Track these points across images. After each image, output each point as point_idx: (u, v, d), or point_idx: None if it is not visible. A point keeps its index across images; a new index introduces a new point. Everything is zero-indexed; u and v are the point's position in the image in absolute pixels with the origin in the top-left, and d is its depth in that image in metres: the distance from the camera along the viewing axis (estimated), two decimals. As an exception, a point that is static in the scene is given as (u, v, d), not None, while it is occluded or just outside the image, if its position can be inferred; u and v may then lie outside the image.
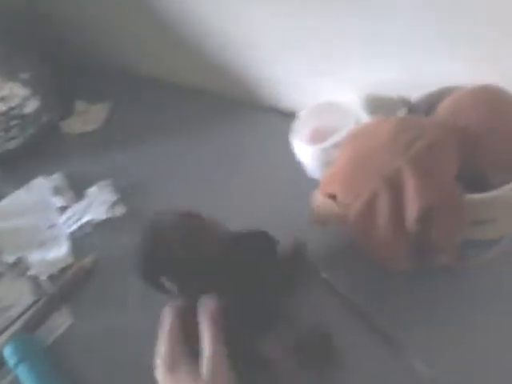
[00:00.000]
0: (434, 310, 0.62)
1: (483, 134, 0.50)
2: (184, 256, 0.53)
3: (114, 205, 0.86)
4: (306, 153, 0.72)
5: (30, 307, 0.76)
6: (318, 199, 0.56)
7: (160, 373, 0.51)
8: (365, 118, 0.73)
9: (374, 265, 0.57)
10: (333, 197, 0.54)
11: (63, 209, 0.89)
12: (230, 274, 0.54)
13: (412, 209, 0.49)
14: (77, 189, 0.91)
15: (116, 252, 0.80)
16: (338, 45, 0.72)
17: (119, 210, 0.86)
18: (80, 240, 0.84)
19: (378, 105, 0.73)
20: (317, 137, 0.73)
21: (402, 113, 0.58)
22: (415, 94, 0.60)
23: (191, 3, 0.81)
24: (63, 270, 0.80)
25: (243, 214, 0.73)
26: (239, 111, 0.93)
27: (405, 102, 0.57)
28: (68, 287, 0.78)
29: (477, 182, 0.54)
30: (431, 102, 0.56)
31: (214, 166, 0.87)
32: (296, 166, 0.77)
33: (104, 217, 0.85)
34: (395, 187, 0.49)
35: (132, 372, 0.64)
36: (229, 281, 0.54)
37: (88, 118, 1.02)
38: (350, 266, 0.66)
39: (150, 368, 0.57)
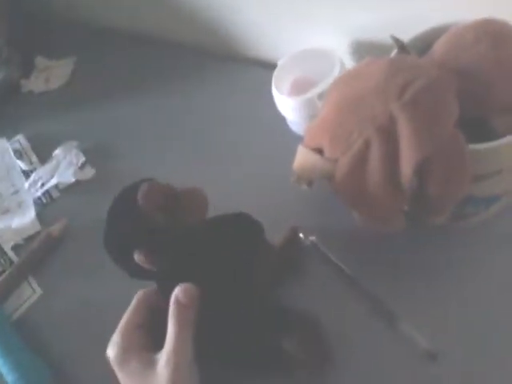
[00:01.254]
0: (432, 275, 0.58)
1: (487, 71, 0.45)
2: (165, 224, 0.46)
3: (81, 167, 0.80)
4: (288, 106, 0.66)
5: (-6, 279, 0.71)
6: (302, 154, 0.50)
7: (111, 364, 0.47)
8: (352, 64, 0.67)
9: (367, 228, 0.53)
10: (319, 151, 0.49)
11: (27, 173, 0.83)
12: (212, 255, 0.49)
13: (407, 161, 0.44)
14: (41, 151, 0.85)
15: (86, 217, 0.75)
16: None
17: (87, 173, 0.80)
18: (47, 205, 0.79)
19: (366, 49, 0.67)
20: (300, 87, 0.67)
21: (394, 53, 0.52)
22: (408, 36, 0.54)
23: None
24: (30, 238, 0.75)
25: (223, 182, 0.69)
26: (215, 64, 0.86)
27: (397, 42, 0.51)
28: (36, 256, 0.73)
29: (479, 128, 0.49)
30: (427, 41, 0.50)
31: (188, 125, 0.80)
32: (280, 122, 0.71)
33: (72, 180, 0.79)
34: (389, 136, 0.44)
35: (104, 348, 0.59)
36: (212, 263, 0.49)
37: (50, 75, 0.94)
38: (341, 232, 0.61)
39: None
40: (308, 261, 0.62)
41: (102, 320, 0.62)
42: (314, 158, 0.49)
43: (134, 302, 0.51)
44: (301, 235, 0.63)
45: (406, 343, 0.53)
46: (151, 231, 0.46)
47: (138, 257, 0.46)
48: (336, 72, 0.63)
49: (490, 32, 0.46)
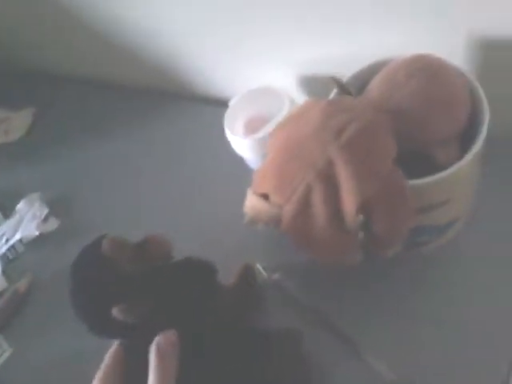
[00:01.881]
0: (389, 304, 0.59)
1: (420, 108, 0.46)
2: (135, 273, 0.46)
3: (45, 219, 0.80)
4: (241, 146, 0.67)
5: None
6: (251, 200, 0.51)
7: None
8: (303, 100, 0.68)
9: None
10: (266, 196, 0.49)
11: (-9, 229, 0.82)
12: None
13: (349, 203, 0.44)
14: (4, 206, 0.84)
15: (52, 270, 0.75)
16: (267, 23, 0.66)
17: (52, 225, 0.79)
18: (12, 261, 0.78)
19: (314, 86, 0.68)
20: (254, 126, 0.68)
21: (333, 94, 0.53)
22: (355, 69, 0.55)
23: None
24: (-4, 295, 0.74)
25: (184, 222, 0.69)
26: (171, 105, 0.86)
27: (336, 82, 0.52)
28: (3, 314, 0.72)
29: (423, 162, 0.50)
30: (363, 79, 0.51)
31: (148, 168, 0.81)
32: (237, 161, 0.72)
33: (36, 233, 0.78)
34: (329, 180, 0.44)
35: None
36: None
37: (9, 126, 0.94)
38: (299, 267, 0.62)
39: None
40: (272, 298, 0.62)
41: (75, 374, 0.62)
42: (260, 204, 0.49)
43: (108, 357, 0.49)
44: (264, 272, 0.63)
45: (372, 375, 0.54)
46: (125, 283, 0.45)
47: (118, 312, 0.45)
48: (285, 110, 0.64)
49: (421, 68, 0.47)
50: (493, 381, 0.52)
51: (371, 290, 0.60)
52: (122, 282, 0.45)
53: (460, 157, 0.48)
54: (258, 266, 0.64)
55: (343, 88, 0.52)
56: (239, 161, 0.71)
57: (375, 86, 0.48)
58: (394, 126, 0.46)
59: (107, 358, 0.48)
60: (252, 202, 0.51)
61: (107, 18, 0.78)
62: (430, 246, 0.59)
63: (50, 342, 0.68)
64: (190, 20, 0.71)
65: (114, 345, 0.50)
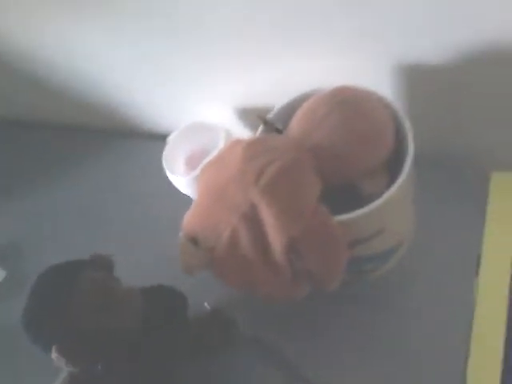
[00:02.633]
0: (337, 334, 0.59)
1: (341, 144, 0.45)
2: (94, 327, 0.46)
3: (-8, 271, 0.77)
4: (180, 183, 0.66)
5: None
6: (182, 245, 0.50)
7: None
8: (238, 135, 0.67)
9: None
10: (196, 241, 0.48)
11: None
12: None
13: (275, 243, 0.43)
14: None
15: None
16: (201, 59, 0.65)
17: (-1, 276, 0.77)
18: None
19: (249, 117, 0.67)
20: (194, 161, 0.67)
21: (260, 130, 0.53)
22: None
23: (37, 39, 0.72)
24: None
25: (130, 262, 0.67)
26: (111, 142, 0.85)
27: (261, 119, 0.51)
28: None
29: (353, 193, 0.49)
30: (287, 115, 0.50)
31: (91, 209, 0.79)
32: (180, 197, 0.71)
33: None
34: (253, 222, 0.43)
35: None
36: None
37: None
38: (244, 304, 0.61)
39: None
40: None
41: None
42: (191, 248, 0.48)
43: None
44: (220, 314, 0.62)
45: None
46: (81, 331, 0.45)
47: (55, 352, 0.45)
48: (221, 145, 0.63)
49: (340, 102, 0.46)
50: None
51: (321, 319, 0.60)
52: (74, 330, 0.45)
53: (389, 184, 0.47)
54: (206, 305, 0.64)
55: (268, 124, 0.51)
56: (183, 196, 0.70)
57: (296, 123, 0.48)
58: (316, 163, 0.45)
59: None
60: (183, 247, 0.50)
61: (40, 61, 0.77)
62: (378, 272, 0.59)
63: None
64: (126, 60, 0.70)
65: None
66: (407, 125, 0.49)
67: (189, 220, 0.49)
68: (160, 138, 0.71)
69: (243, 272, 0.47)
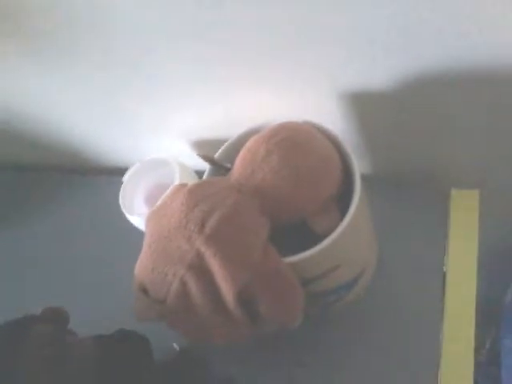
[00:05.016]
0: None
1: (284, 185, 0.44)
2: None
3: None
4: (137, 222, 0.64)
5: None
6: (135, 294, 0.48)
7: None
8: (194, 168, 0.66)
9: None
10: (148, 288, 0.47)
11: None
12: None
13: (226, 291, 0.42)
14: None
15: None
16: (156, 94, 0.64)
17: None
18: None
19: (204, 150, 0.66)
20: (153, 198, 0.65)
21: (208, 170, 0.52)
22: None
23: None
24: None
25: (89, 306, 0.66)
26: (66, 180, 0.84)
27: (206, 159, 0.50)
28: None
29: (307, 232, 0.48)
30: (232, 154, 0.49)
31: (51, 249, 0.77)
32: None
33: None
34: (202, 272, 0.42)
35: None
36: None
37: None
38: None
39: None
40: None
41: None
42: (143, 299, 0.46)
43: None
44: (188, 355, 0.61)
45: None
46: None
47: None
48: (176, 180, 0.62)
49: (279, 142, 0.44)
50: None
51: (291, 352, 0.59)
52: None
53: (343, 218, 0.46)
54: (175, 346, 0.62)
55: (215, 163, 0.50)
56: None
57: (238, 164, 0.46)
58: (261, 205, 0.44)
59: None
60: (136, 296, 0.49)
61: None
62: (342, 302, 0.58)
63: None
64: (77, 97, 0.68)
65: None
66: (353, 160, 0.47)
67: (138, 271, 0.48)
68: (119, 173, 0.69)
69: (196, 322, 0.45)
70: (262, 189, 0.44)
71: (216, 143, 0.54)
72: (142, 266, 0.47)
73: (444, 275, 0.61)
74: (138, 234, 0.66)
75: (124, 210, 0.64)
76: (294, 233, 0.47)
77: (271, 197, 0.44)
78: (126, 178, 0.67)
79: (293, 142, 0.45)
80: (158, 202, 0.49)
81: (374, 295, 0.60)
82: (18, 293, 0.74)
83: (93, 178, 0.82)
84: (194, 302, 0.44)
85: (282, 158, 0.44)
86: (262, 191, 0.44)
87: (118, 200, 0.65)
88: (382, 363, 0.57)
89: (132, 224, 0.66)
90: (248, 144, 0.47)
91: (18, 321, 0.48)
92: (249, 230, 0.43)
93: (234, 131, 0.53)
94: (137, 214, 0.65)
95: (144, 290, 0.47)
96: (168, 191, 0.48)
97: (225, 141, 0.53)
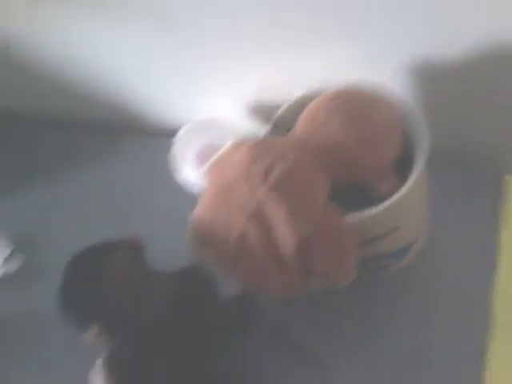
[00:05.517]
0: (361, 326, 0.58)
1: (346, 146, 0.44)
2: (129, 301, 0.46)
3: (8, 258, 0.78)
4: (189, 179, 0.65)
5: None
6: (190, 241, 0.49)
7: None
8: (248, 131, 0.66)
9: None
10: (204, 239, 0.48)
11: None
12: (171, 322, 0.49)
13: (286, 244, 0.43)
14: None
15: (16, 311, 0.73)
16: (213, 57, 0.64)
17: (15, 264, 0.78)
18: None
19: (257, 115, 0.66)
20: (203, 157, 0.66)
21: (266, 131, 0.52)
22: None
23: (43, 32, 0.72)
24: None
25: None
26: (121, 139, 0.84)
27: (269, 120, 0.51)
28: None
29: (364, 195, 0.48)
30: (293, 114, 0.49)
31: (106, 204, 0.79)
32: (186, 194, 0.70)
33: (-1, 272, 0.77)
34: (262, 222, 0.43)
35: None
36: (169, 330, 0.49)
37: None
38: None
39: None
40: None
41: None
42: (199, 246, 0.48)
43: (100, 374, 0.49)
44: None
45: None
46: (115, 310, 0.46)
47: (93, 331, 0.46)
48: (230, 141, 0.62)
49: (343, 104, 0.45)
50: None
51: (343, 313, 0.59)
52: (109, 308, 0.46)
53: (400, 185, 0.46)
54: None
55: (274, 125, 0.51)
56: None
57: (300, 124, 0.47)
58: (323, 163, 0.44)
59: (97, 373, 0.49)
60: (193, 244, 0.50)
61: (55, 57, 0.77)
62: (392, 269, 0.58)
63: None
64: (137, 55, 0.69)
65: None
66: (419, 122, 0.47)
67: (196, 219, 0.49)
68: (168, 135, 0.70)
69: (252, 270, 0.46)
70: (324, 147, 0.44)
71: (271, 107, 0.55)
72: (200, 216, 0.48)
73: (496, 252, 0.60)
74: (183, 192, 0.68)
75: (174, 166, 0.65)
76: (351, 197, 0.47)
77: (333, 156, 0.44)
78: (179, 135, 0.67)
79: (355, 105, 0.45)
80: (217, 156, 0.49)
81: (422, 266, 0.60)
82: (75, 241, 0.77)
83: (144, 138, 0.83)
84: (252, 252, 0.44)
85: (343, 120, 0.44)
86: (324, 150, 0.44)
87: (166, 160, 0.66)
88: (426, 335, 0.57)
89: (179, 183, 0.67)
90: (311, 105, 0.47)
91: (101, 246, 0.50)
92: (311, 183, 0.43)
93: (289, 95, 0.53)
94: (186, 173, 0.66)
95: (201, 238, 0.48)
96: (226, 147, 0.49)
97: (280, 105, 0.53)
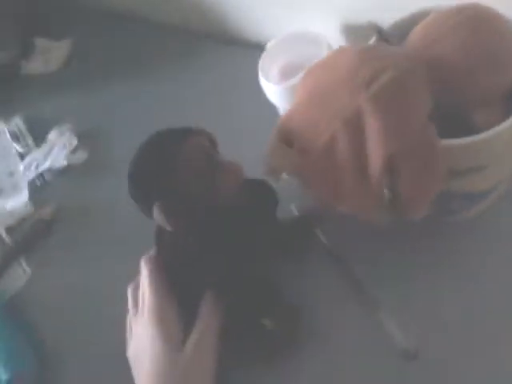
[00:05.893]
0: (420, 272, 0.56)
1: (461, 63, 0.42)
2: (196, 192, 0.46)
3: (74, 151, 0.80)
4: (274, 92, 0.64)
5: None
6: (273, 146, 0.49)
7: (146, 324, 0.49)
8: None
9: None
10: (290, 142, 0.47)
11: (22, 155, 0.83)
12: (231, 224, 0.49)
13: (375, 156, 0.41)
14: (36, 134, 0.85)
15: (77, 201, 0.76)
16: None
17: (80, 157, 0.80)
18: (40, 188, 0.79)
19: (354, 33, 0.64)
20: (289, 73, 0.65)
21: (372, 42, 0.50)
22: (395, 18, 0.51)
23: None
24: (22, 220, 0.76)
25: None
26: (206, 46, 0.84)
27: (375, 29, 0.48)
28: (27, 239, 0.74)
29: (458, 122, 0.46)
30: (405, 28, 0.47)
31: (178, 107, 0.79)
32: (269, 107, 0.69)
33: (64, 164, 0.79)
34: (356, 130, 0.42)
35: (94, 332, 0.61)
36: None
37: (49, 56, 0.93)
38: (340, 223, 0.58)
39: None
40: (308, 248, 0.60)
41: (91, 304, 0.63)
42: (283, 150, 0.47)
43: (146, 267, 0.52)
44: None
45: (384, 339, 0.52)
46: (182, 194, 0.46)
47: (156, 209, 0.46)
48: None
49: (472, 17, 0.43)
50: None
51: (404, 254, 0.57)
52: (177, 191, 0.46)
53: (502, 119, 0.44)
54: (293, 208, 0.63)
55: (383, 35, 0.49)
56: (273, 107, 0.68)
57: (418, 33, 0.44)
58: (432, 78, 0.42)
59: (145, 265, 0.52)
60: (274, 148, 0.49)
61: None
62: (463, 214, 0.56)
63: (69, 269, 0.69)
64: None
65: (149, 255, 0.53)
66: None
67: (284, 122, 0.48)
68: (257, 48, 0.69)
69: (333, 181, 0.45)
70: (439, 61, 0.42)
71: (367, 29, 0.52)
72: (291, 116, 0.47)
73: None
74: (268, 105, 0.67)
75: (260, 76, 0.64)
76: (446, 127, 0.45)
77: (445, 73, 0.42)
78: (269, 45, 0.66)
79: (484, 20, 0.43)
80: (319, 59, 0.48)
81: (493, 218, 0.57)
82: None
83: (232, 48, 0.82)
84: (338, 160, 0.43)
85: (470, 32, 0.42)
86: (439, 65, 0.42)
87: (253, 73, 0.65)
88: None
89: (264, 95, 0.66)
90: (432, 16, 0.45)
91: (175, 131, 0.49)
92: (416, 97, 0.42)
93: (390, 17, 0.50)
94: (272, 82, 0.64)
95: (285, 141, 0.47)
96: (332, 52, 0.47)
97: (377, 26, 0.51)
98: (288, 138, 0.47)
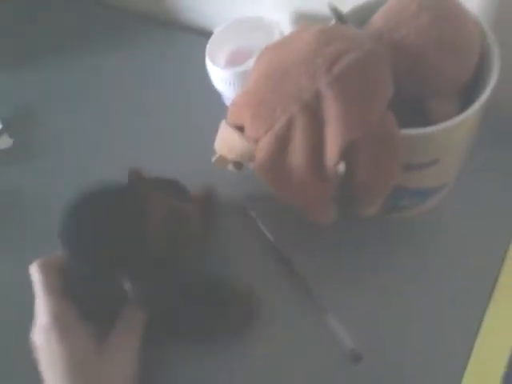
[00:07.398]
0: (362, 267, 0.55)
1: (426, 47, 0.40)
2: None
3: (-2, 135, 0.73)
4: (221, 78, 0.60)
5: None
6: (223, 131, 0.45)
7: (47, 336, 0.44)
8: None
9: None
10: (241, 128, 0.44)
11: None
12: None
13: (332, 144, 0.39)
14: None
15: (2, 190, 0.68)
16: None
17: (5, 143, 0.73)
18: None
19: (306, 19, 0.61)
20: (237, 59, 0.62)
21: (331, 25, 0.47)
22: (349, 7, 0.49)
23: None
24: None
25: (153, 151, 0.66)
26: (147, 28, 0.80)
27: (335, 12, 0.46)
28: None
29: (415, 111, 0.45)
30: (367, 13, 0.45)
31: (114, 92, 0.74)
32: (214, 94, 0.66)
33: (-14, 150, 0.72)
34: (314, 115, 0.39)
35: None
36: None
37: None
38: (275, 212, 0.57)
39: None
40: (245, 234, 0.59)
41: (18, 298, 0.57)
42: (233, 136, 0.43)
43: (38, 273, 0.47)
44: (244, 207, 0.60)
45: (332, 340, 0.51)
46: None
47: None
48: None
49: (434, 5, 0.41)
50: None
51: (348, 253, 0.56)
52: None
53: (458, 113, 0.43)
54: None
55: (342, 19, 0.46)
56: (218, 95, 0.65)
57: (381, 14, 0.43)
58: (395, 63, 0.41)
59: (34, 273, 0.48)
60: (224, 135, 0.46)
61: None
62: (410, 211, 0.55)
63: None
64: None
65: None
66: (494, 44, 0.44)
67: (235, 106, 0.44)
68: (205, 33, 0.65)
69: (284, 174, 0.42)
70: (402, 44, 0.41)
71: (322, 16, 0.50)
72: (243, 99, 0.43)
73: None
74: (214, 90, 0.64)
75: (207, 61, 0.61)
76: (403, 115, 0.44)
77: (410, 56, 0.41)
78: (217, 30, 0.62)
79: (447, 9, 0.41)
80: (277, 39, 0.45)
81: (439, 218, 0.57)
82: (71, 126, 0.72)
83: (179, 32, 0.79)
84: (292, 148, 0.41)
85: (433, 17, 0.40)
86: (401, 47, 0.41)
87: (200, 58, 0.62)
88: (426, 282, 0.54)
89: (210, 81, 0.63)
90: (391, 1, 0.43)
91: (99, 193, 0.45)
92: (378, 82, 0.39)
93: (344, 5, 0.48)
94: (218, 73, 0.61)
95: (237, 127, 0.44)
96: (292, 31, 0.44)
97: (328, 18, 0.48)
98: (239, 121, 0.44)
